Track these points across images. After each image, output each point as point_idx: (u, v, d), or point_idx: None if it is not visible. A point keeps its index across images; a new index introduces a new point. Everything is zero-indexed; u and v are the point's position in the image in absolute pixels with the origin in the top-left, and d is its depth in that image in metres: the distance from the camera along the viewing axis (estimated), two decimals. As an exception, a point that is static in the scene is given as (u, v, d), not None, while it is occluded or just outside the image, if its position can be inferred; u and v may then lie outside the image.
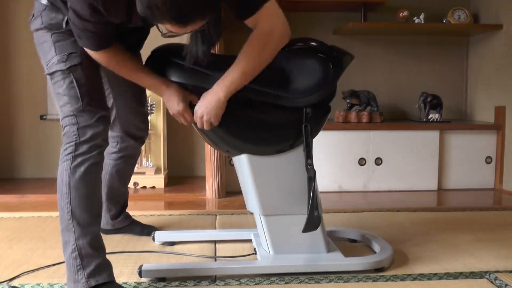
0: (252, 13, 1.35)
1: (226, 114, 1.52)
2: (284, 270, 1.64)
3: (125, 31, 1.55)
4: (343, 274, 1.63)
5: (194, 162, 3.44)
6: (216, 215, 2.44)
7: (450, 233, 2.11)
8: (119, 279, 1.56)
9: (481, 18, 3.32)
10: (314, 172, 1.58)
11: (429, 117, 3.17)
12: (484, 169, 3.12)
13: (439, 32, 3.37)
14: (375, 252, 1.81)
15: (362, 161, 3.02)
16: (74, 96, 1.46)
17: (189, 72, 1.52)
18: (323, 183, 2.96)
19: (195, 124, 1.56)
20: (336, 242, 1.90)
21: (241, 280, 1.59)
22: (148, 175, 3.03)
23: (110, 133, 1.86)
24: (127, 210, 2.09)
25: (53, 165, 3.35)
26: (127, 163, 1.98)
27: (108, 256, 1.50)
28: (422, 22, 3.19)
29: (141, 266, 1.60)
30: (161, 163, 3.07)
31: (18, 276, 1.63)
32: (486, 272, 1.66)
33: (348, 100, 3.16)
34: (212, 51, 1.44)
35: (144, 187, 3.03)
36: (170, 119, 3.17)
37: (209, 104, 1.47)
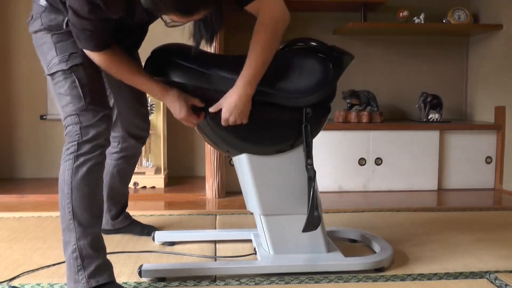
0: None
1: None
2: (284, 270, 1.64)
3: (125, 30, 1.54)
4: (343, 274, 1.63)
5: (194, 162, 3.44)
6: (216, 215, 2.44)
7: (450, 233, 2.11)
8: (119, 279, 1.56)
9: (481, 18, 3.32)
10: (314, 172, 1.58)
11: (429, 117, 3.17)
12: (484, 169, 3.12)
13: (439, 32, 3.37)
14: (375, 252, 1.81)
15: (362, 161, 3.02)
16: (76, 95, 1.46)
17: (190, 72, 1.52)
18: (323, 183, 2.96)
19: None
20: (336, 242, 1.89)
21: (241, 280, 1.59)
22: (148, 175, 3.03)
23: (111, 133, 1.86)
24: (127, 210, 2.09)
25: (53, 165, 3.36)
26: (128, 163, 1.98)
27: (108, 256, 1.50)
28: (422, 22, 3.19)
29: (141, 266, 1.60)
30: (161, 163, 3.07)
31: (18, 276, 1.63)
32: (486, 272, 1.66)
33: (348, 100, 3.16)
34: (212, 50, 1.45)
35: (144, 187, 3.03)
36: (170, 119, 3.17)
37: (236, 104, 1.48)
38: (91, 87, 1.47)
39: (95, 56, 1.46)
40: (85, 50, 1.45)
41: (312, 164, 1.59)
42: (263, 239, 1.74)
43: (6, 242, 2.00)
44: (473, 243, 1.98)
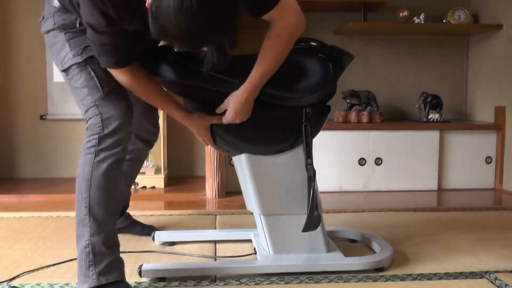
0: (270, 9, 1.34)
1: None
2: (284, 270, 1.64)
3: (143, 45, 1.53)
4: (343, 274, 1.63)
5: (194, 162, 3.44)
6: (216, 215, 2.44)
7: (450, 233, 2.11)
8: (119, 279, 1.56)
9: (481, 18, 3.32)
10: (314, 171, 1.58)
11: (429, 117, 3.17)
12: (484, 169, 3.12)
13: (439, 32, 3.37)
14: (375, 252, 1.81)
15: (362, 161, 3.02)
16: (93, 86, 1.45)
17: (189, 72, 1.52)
18: (323, 183, 2.96)
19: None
20: (336, 242, 1.89)
21: (241, 280, 1.59)
22: (148, 175, 3.03)
23: None
24: (127, 211, 2.09)
25: (53, 165, 3.36)
26: (133, 165, 1.97)
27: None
28: (422, 22, 3.19)
29: (141, 266, 1.60)
30: (161, 163, 3.07)
31: (18, 276, 1.63)
32: (486, 272, 1.66)
33: (348, 100, 3.16)
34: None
35: (144, 187, 3.03)
36: (170, 120, 3.17)
37: (241, 108, 1.49)
38: (109, 78, 1.45)
39: (119, 75, 1.43)
40: (110, 70, 1.43)
41: (312, 164, 1.59)
42: (263, 239, 1.74)
43: (6, 242, 2.00)
44: (473, 243, 1.98)
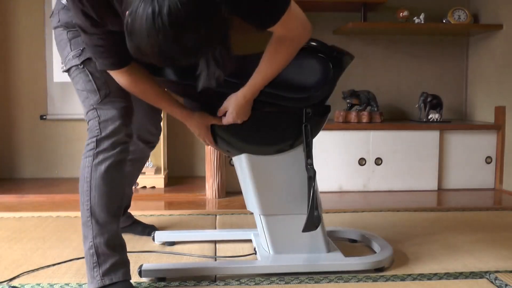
0: (276, 21, 1.29)
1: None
2: (284, 270, 1.64)
3: None
4: (343, 274, 1.63)
5: (194, 162, 3.44)
6: (216, 215, 2.44)
7: (450, 233, 2.11)
8: (119, 279, 1.56)
9: (481, 18, 3.32)
10: (314, 171, 1.58)
11: (429, 117, 3.17)
12: (484, 169, 3.12)
13: (439, 32, 3.37)
14: (375, 252, 1.81)
15: (362, 161, 3.02)
16: (91, 89, 1.46)
17: (190, 72, 1.52)
18: (323, 183, 2.96)
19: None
20: (336, 242, 1.89)
21: (241, 280, 1.59)
22: (148, 175, 3.03)
23: None
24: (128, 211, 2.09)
25: (53, 165, 3.36)
26: (134, 166, 1.97)
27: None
28: (422, 22, 3.19)
29: (141, 266, 1.60)
30: (161, 163, 3.07)
31: (18, 276, 1.63)
32: (486, 272, 1.66)
33: (348, 100, 3.16)
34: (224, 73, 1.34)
35: (144, 187, 3.03)
36: (170, 120, 3.17)
37: (241, 110, 1.49)
38: (106, 79, 1.45)
39: (118, 77, 1.42)
40: (110, 73, 1.42)
41: (312, 164, 1.59)
42: (263, 239, 1.74)
43: (6, 242, 2.00)
44: (473, 243, 1.97)
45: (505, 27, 3.08)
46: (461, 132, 3.08)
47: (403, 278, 1.61)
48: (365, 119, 3.11)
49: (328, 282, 1.58)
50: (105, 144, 1.44)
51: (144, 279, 1.60)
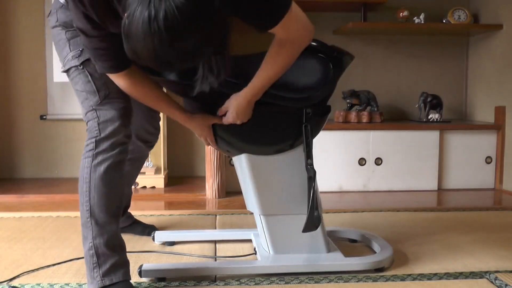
0: (277, 23, 1.28)
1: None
2: (284, 270, 1.64)
3: None
4: (343, 274, 1.63)
5: (194, 162, 3.44)
6: (216, 215, 2.44)
7: (450, 233, 2.11)
8: (119, 279, 1.56)
9: (481, 18, 3.32)
10: (314, 172, 1.58)
11: (429, 117, 3.17)
12: (484, 169, 3.12)
13: (439, 32, 3.37)
14: (375, 252, 1.81)
15: (362, 161, 3.02)
16: (91, 90, 1.45)
17: (190, 72, 1.52)
18: (323, 183, 2.96)
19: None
20: (336, 242, 1.89)
21: (241, 280, 1.59)
22: (148, 175, 3.03)
23: None
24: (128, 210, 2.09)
25: (53, 165, 3.36)
26: (133, 165, 1.97)
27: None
28: (422, 22, 3.19)
29: (141, 266, 1.60)
30: (161, 163, 3.07)
31: (18, 276, 1.63)
32: (486, 272, 1.66)
33: (348, 100, 3.16)
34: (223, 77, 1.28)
35: (144, 187, 3.03)
36: (170, 120, 3.17)
37: (241, 112, 1.49)
38: (106, 80, 1.44)
39: (118, 80, 1.42)
40: (109, 76, 1.41)
41: (312, 164, 1.59)
42: (263, 239, 1.74)
43: (6, 242, 2.00)
44: (473, 243, 1.97)
45: (505, 27, 3.08)
46: (461, 132, 3.08)
47: (403, 278, 1.61)
48: (365, 119, 3.11)
49: (328, 282, 1.58)
50: (105, 145, 1.44)
51: (144, 279, 1.60)
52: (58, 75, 3.23)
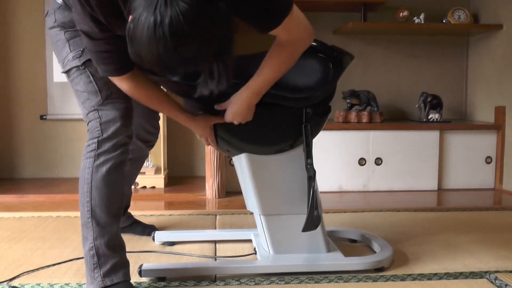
0: (278, 24, 1.28)
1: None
2: (284, 270, 1.64)
3: None
4: (343, 274, 1.63)
5: (194, 162, 3.44)
6: (216, 215, 2.44)
7: (450, 233, 2.11)
8: (119, 279, 1.56)
9: (481, 18, 3.32)
10: (314, 171, 1.58)
11: (429, 117, 3.17)
12: (484, 169, 3.12)
13: (439, 32, 3.37)
14: (375, 252, 1.81)
15: (362, 161, 3.02)
16: (92, 91, 1.45)
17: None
18: (323, 183, 2.96)
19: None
20: (336, 242, 1.89)
21: (241, 280, 1.59)
22: (148, 175, 3.03)
23: None
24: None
25: (53, 165, 3.36)
26: (133, 166, 1.97)
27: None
28: (422, 22, 3.19)
29: (141, 265, 1.60)
30: (161, 163, 3.07)
31: (18, 276, 1.63)
32: (486, 272, 1.66)
33: (348, 100, 3.16)
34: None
35: (144, 187, 3.03)
36: (170, 120, 3.17)
37: (241, 112, 1.49)
38: (107, 80, 1.44)
39: (120, 83, 1.41)
40: (111, 79, 1.41)
41: (312, 164, 1.59)
42: (263, 239, 1.74)
43: (6, 242, 2.00)
44: (473, 243, 1.98)
45: (505, 27, 3.08)
46: (461, 132, 3.08)
47: (403, 278, 1.61)
48: (365, 119, 3.11)
49: (328, 282, 1.58)
50: (107, 146, 1.43)
51: (144, 279, 1.60)
52: (58, 75, 3.23)
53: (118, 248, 1.47)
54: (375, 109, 3.17)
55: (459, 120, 3.39)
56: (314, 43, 1.63)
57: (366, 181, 3.04)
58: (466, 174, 3.11)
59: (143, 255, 1.83)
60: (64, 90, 3.26)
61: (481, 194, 2.98)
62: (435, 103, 3.16)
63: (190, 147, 3.41)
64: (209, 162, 2.85)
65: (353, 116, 3.13)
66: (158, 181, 3.04)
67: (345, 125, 3.05)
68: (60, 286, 1.55)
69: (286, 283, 1.58)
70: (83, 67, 1.46)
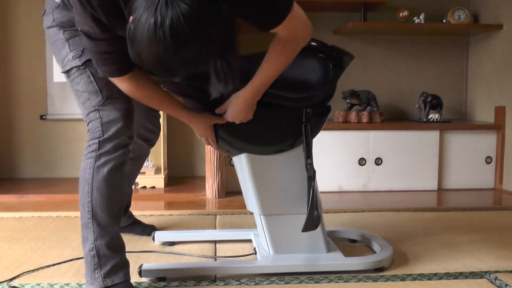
0: (279, 23, 1.28)
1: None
2: (284, 270, 1.64)
3: None
4: (343, 274, 1.63)
5: (194, 162, 3.44)
6: (216, 215, 2.44)
7: (450, 233, 2.11)
8: (119, 279, 1.56)
9: (481, 18, 3.32)
10: (314, 171, 1.58)
11: (429, 117, 3.17)
12: (484, 169, 3.12)
13: (439, 32, 3.37)
14: (375, 252, 1.81)
15: (362, 161, 3.02)
16: (93, 91, 1.44)
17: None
18: (323, 183, 2.96)
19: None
20: (336, 242, 1.89)
21: (241, 280, 1.59)
22: (148, 175, 3.03)
23: None
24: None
25: (53, 165, 3.36)
26: (134, 164, 1.97)
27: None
28: (422, 22, 3.19)
29: (141, 265, 1.60)
30: (161, 163, 3.07)
31: (18, 276, 1.63)
32: (486, 272, 1.66)
33: (348, 100, 3.16)
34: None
35: (144, 187, 3.03)
36: (170, 120, 3.18)
37: (241, 111, 1.49)
38: (108, 80, 1.43)
39: (121, 84, 1.41)
40: (111, 80, 1.41)
41: (312, 164, 1.59)
42: (263, 239, 1.74)
43: (6, 242, 2.00)
44: (473, 243, 1.97)
45: (505, 27, 3.08)
46: (461, 132, 3.08)
47: (403, 278, 1.61)
48: (365, 119, 3.11)
49: (328, 282, 1.58)
50: (108, 146, 1.43)
51: (144, 279, 1.60)
52: (58, 75, 3.23)
53: (119, 248, 1.47)
54: (375, 109, 3.17)
55: (459, 120, 3.39)
56: (314, 43, 1.63)
57: (366, 181, 3.03)
58: (466, 174, 3.11)
59: (143, 255, 1.83)
60: (64, 90, 3.25)
61: (481, 194, 2.98)
62: (435, 103, 3.16)
63: (190, 147, 3.41)
64: (209, 162, 2.85)
65: (353, 116, 3.13)
66: (158, 181, 3.04)
67: (345, 125, 3.05)
68: (60, 286, 1.55)
69: (286, 283, 1.58)
70: (83, 67, 1.45)
